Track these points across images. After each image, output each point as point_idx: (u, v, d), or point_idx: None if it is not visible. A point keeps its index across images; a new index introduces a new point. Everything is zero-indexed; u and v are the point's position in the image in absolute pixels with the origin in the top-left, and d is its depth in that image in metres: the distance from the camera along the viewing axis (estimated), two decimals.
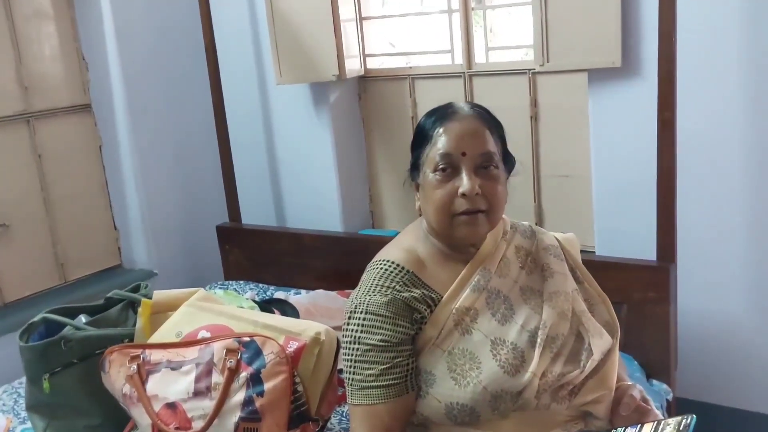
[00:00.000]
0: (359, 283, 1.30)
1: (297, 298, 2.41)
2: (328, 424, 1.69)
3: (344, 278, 2.55)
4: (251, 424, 1.43)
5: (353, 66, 2.76)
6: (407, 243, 1.34)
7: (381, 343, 1.20)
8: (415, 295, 1.23)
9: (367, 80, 2.90)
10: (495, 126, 1.31)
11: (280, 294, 2.54)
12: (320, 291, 2.49)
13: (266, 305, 2.06)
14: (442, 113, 1.29)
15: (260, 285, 2.76)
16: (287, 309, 2.09)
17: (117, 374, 1.55)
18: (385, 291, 1.23)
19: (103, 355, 1.59)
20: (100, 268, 2.92)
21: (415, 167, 1.33)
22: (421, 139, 1.31)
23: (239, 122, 2.97)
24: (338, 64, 2.64)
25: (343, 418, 1.78)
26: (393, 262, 1.28)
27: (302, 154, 2.93)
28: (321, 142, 2.86)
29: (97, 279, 2.86)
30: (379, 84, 2.89)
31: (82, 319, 1.81)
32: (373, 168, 3.00)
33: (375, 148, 2.97)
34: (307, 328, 1.57)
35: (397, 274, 1.25)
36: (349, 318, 1.25)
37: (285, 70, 2.75)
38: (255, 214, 3.01)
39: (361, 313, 1.23)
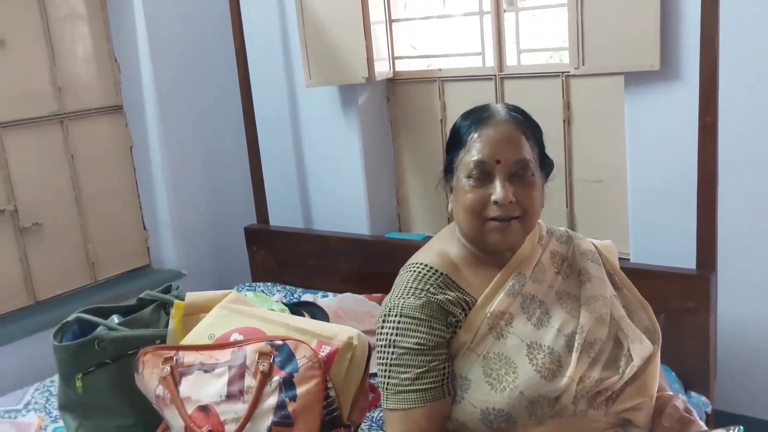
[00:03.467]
0: (393, 287, 1.29)
1: (325, 301, 2.41)
2: (359, 430, 1.68)
3: (370, 281, 2.54)
4: (284, 428, 1.42)
5: (382, 68, 2.75)
6: (441, 246, 1.32)
7: (416, 347, 1.19)
8: (449, 297, 1.22)
9: (395, 83, 2.89)
10: (532, 130, 1.28)
11: (307, 296, 2.54)
12: (348, 294, 2.48)
13: (296, 308, 2.06)
14: (478, 117, 1.27)
15: (287, 287, 2.76)
16: (317, 312, 2.09)
17: (150, 375, 1.55)
18: (420, 294, 1.22)
19: (137, 356, 1.59)
20: (130, 267, 2.94)
21: (449, 170, 1.31)
22: (455, 142, 1.29)
23: (268, 124, 2.98)
24: (367, 66, 2.63)
25: (373, 424, 1.77)
26: (427, 265, 1.26)
27: (330, 157, 2.92)
28: (349, 145, 2.85)
29: (126, 278, 2.88)
30: (407, 86, 2.88)
31: (115, 319, 1.82)
32: (401, 171, 2.98)
33: (403, 151, 2.96)
34: (339, 332, 1.56)
35: (431, 277, 1.24)
36: (384, 321, 1.24)
37: (314, 73, 2.75)
38: (282, 215, 3.01)
39: (396, 316, 1.22)
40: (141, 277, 2.88)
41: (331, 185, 2.94)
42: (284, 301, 2.38)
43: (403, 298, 1.22)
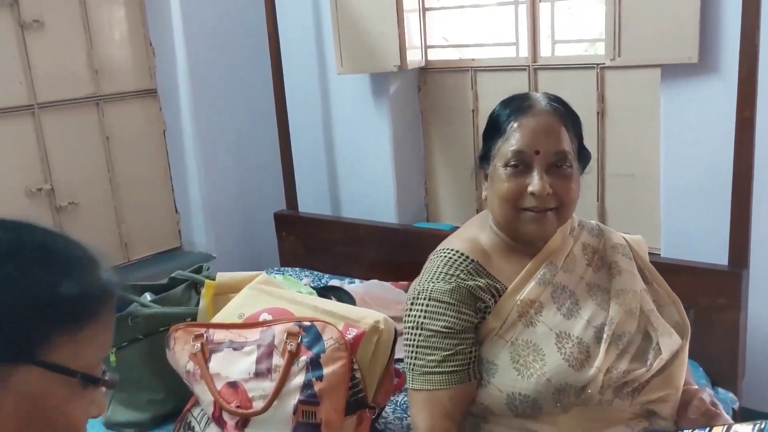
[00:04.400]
0: (422, 271, 1.31)
1: (351, 286, 2.44)
2: (383, 413, 1.71)
3: (398, 269, 2.57)
4: (310, 407, 1.46)
5: (414, 57, 2.77)
6: (472, 234, 1.35)
7: (444, 330, 1.21)
8: (479, 284, 1.24)
9: (427, 72, 2.90)
10: (572, 122, 1.29)
11: (334, 282, 2.58)
12: (375, 281, 2.51)
13: (323, 292, 2.10)
14: (518, 105, 1.27)
15: (315, 272, 2.80)
16: (344, 297, 2.12)
17: (181, 351, 1.61)
18: (449, 278, 1.24)
19: (168, 333, 1.64)
20: (161, 249, 3.02)
21: (485, 158, 1.32)
22: (493, 130, 1.30)
23: (299, 111, 3.01)
24: (400, 54, 2.65)
25: (398, 408, 1.80)
26: (458, 251, 1.29)
27: (359, 145, 2.95)
28: (379, 133, 2.88)
29: (157, 259, 2.95)
30: (439, 76, 2.89)
31: (148, 297, 1.88)
32: (431, 161, 3.00)
33: (433, 141, 2.98)
34: (366, 315, 1.59)
35: (461, 263, 1.26)
36: (412, 304, 1.27)
37: (346, 60, 2.78)
38: (311, 202, 3.05)
39: (425, 299, 1.24)
40: (172, 259, 2.94)
41: (360, 173, 2.97)
42: (312, 285, 2.42)
43: (433, 282, 1.25)
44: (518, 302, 1.23)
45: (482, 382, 1.22)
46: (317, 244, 2.88)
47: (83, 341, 0.69)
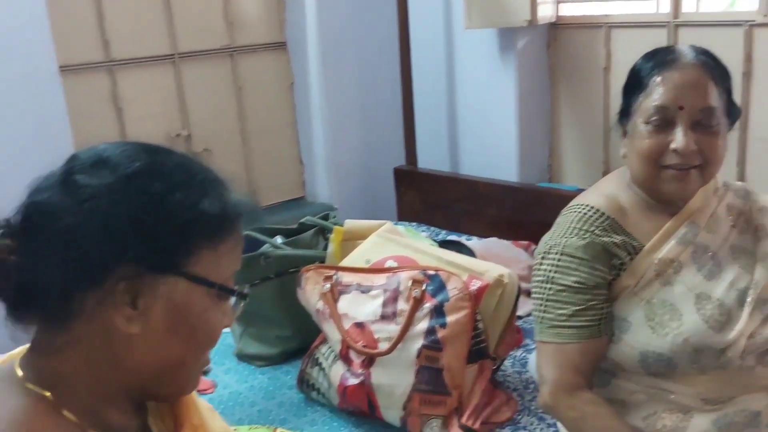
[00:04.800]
0: (554, 225, 1.31)
1: (469, 243, 2.46)
2: (502, 366, 1.74)
3: (517, 229, 2.56)
4: (433, 352, 1.51)
5: (546, 12, 2.69)
6: (609, 190, 1.32)
7: (575, 285, 1.21)
8: (615, 240, 1.22)
9: (558, 28, 2.82)
10: (721, 76, 1.22)
11: (452, 238, 2.60)
12: (494, 239, 2.51)
13: (444, 245, 2.13)
14: (662, 59, 1.22)
15: (432, 228, 2.84)
16: (464, 251, 2.14)
17: (312, 291, 1.70)
18: (584, 234, 1.23)
19: (300, 272, 1.74)
20: (286, 198, 3.15)
21: (625, 114, 1.29)
22: (635, 84, 1.26)
23: (423, 66, 3.02)
24: (531, 8, 2.59)
25: (516, 362, 1.82)
26: (593, 207, 1.27)
27: (483, 101, 2.93)
28: (504, 90, 2.84)
29: (282, 208, 3.09)
30: (570, 32, 2.80)
31: (279, 239, 1.98)
32: (556, 120, 2.93)
33: (560, 100, 2.91)
34: (490, 269, 1.61)
35: (596, 219, 1.25)
36: (543, 258, 1.27)
37: (475, 14, 2.75)
38: (430, 158, 3.07)
39: (556, 254, 1.24)
40: (295, 208, 3.07)
41: (483, 130, 2.95)
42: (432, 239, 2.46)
43: (566, 237, 1.24)
44: (656, 261, 1.20)
45: (614, 338, 1.21)
46: (435, 200, 2.91)
47: (221, 255, 0.74)
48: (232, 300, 0.77)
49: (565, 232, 1.25)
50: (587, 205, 1.27)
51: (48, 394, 0.69)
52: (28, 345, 0.75)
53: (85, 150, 0.74)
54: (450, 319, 1.52)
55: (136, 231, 0.68)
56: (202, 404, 0.87)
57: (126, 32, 2.60)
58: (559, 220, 1.31)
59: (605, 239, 1.22)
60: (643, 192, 1.28)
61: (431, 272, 1.58)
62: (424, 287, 1.56)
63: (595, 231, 1.23)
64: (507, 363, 1.78)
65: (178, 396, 0.80)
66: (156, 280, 0.70)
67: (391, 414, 1.55)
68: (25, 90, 2.21)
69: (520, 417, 1.60)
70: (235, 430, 1.34)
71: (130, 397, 0.75)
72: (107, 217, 0.68)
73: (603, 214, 1.25)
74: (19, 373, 0.71)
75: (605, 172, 2.76)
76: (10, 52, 2.17)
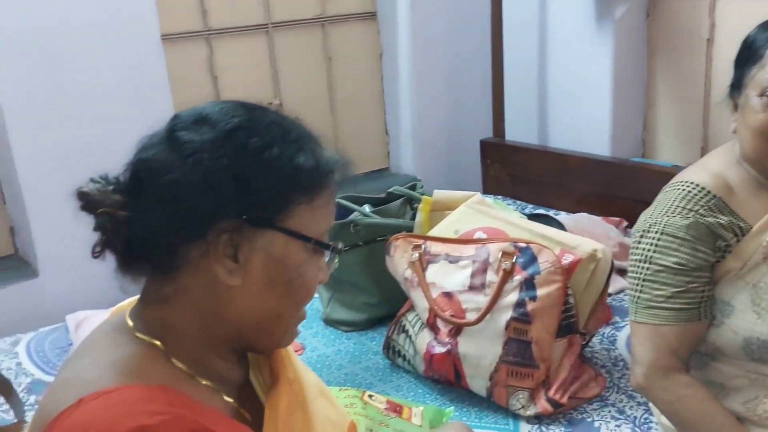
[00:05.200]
0: (654, 203, 1.27)
1: (558, 218, 2.42)
2: (590, 342, 1.71)
3: (608, 205, 2.50)
4: (521, 324, 1.51)
5: None
6: (715, 167, 1.26)
7: (675, 266, 1.17)
8: (721, 221, 1.18)
9: None
10: None
11: (540, 212, 2.56)
12: (583, 214, 2.46)
13: (533, 219, 2.10)
14: None
15: (518, 202, 2.81)
16: (554, 225, 2.11)
17: (400, 259, 1.72)
18: (687, 213, 1.19)
19: (389, 241, 1.76)
20: (371, 168, 3.18)
21: (736, 86, 1.22)
22: (748, 55, 1.19)
23: (514, 36, 2.95)
24: None
25: (605, 339, 1.79)
26: (698, 185, 1.22)
27: (577, 73, 2.84)
28: (599, 61, 2.75)
29: (366, 178, 3.12)
30: (672, 1, 2.67)
31: (367, 208, 2.01)
32: (652, 93, 2.82)
33: (657, 73, 2.79)
34: (582, 243, 1.59)
35: (702, 198, 1.20)
36: (641, 237, 1.23)
37: None
38: (518, 130, 3.02)
39: (656, 233, 1.20)
40: (380, 178, 3.09)
41: (574, 102, 2.87)
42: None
43: (667, 216, 1.20)
44: (765, 243, 1.15)
45: (715, 322, 1.17)
46: (522, 173, 2.87)
47: (316, 210, 0.76)
48: (327, 255, 0.80)
49: (666, 210, 1.21)
50: (691, 183, 1.23)
51: (158, 343, 0.73)
52: (136, 297, 0.80)
53: (186, 110, 0.78)
54: (540, 292, 1.51)
55: (236, 185, 0.71)
56: (297, 360, 0.91)
57: (223, 1, 2.67)
58: (660, 197, 1.27)
59: (710, 219, 1.17)
60: (753, 169, 1.21)
61: (522, 245, 1.57)
62: (514, 259, 1.55)
63: (700, 210, 1.18)
64: (595, 340, 1.76)
65: (275, 348, 0.83)
66: (255, 234, 0.72)
67: (478, 384, 1.56)
68: (130, 58, 2.31)
69: (608, 394, 1.58)
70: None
71: (233, 348, 0.79)
72: (209, 171, 0.71)
73: (708, 192, 1.20)
74: (130, 323, 0.75)
75: (703, 149, 2.65)
76: (117, 22, 2.26)
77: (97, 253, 0.74)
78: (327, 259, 0.80)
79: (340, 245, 0.80)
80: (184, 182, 0.70)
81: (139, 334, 0.73)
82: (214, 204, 0.71)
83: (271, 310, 0.76)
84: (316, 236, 0.76)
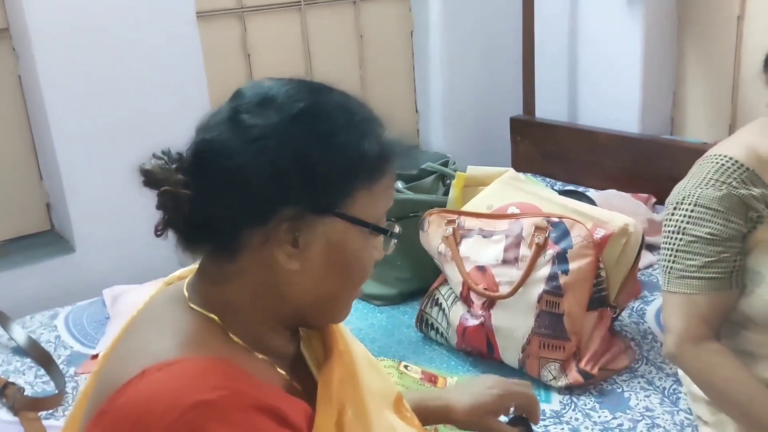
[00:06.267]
0: (688, 175, 1.29)
1: (588, 194, 2.43)
2: (620, 316, 1.74)
3: (638, 181, 2.50)
4: (554, 297, 1.54)
5: None
6: (749, 140, 1.28)
7: (708, 236, 1.20)
8: (753, 193, 1.19)
9: None
10: None
11: (571, 188, 2.57)
12: (612, 191, 2.47)
13: (565, 195, 2.12)
14: None
15: (547, 179, 2.82)
16: (585, 201, 2.13)
17: (434, 234, 1.75)
18: (720, 186, 1.21)
19: (424, 216, 1.79)
20: None
21: None
22: None
23: (545, 13, 2.94)
24: None
25: (634, 313, 1.81)
26: (731, 158, 1.23)
27: (607, 50, 2.82)
28: (629, 38, 2.73)
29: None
30: None
31: (399, 184, 2.04)
32: (683, 71, 2.80)
33: (687, 49, 2.77)
34: (614, 218, 1.61)
35: (735, 171, 1.22)
36: (675, 209, 1.26)
37: None
38: (548, 107, 3.02)
39: (690, 204, 1.23)
40: (409, 156, 3.11)
41: (604, 79, 2.86)
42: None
43: (701, 187, 1.22)
44: None
45: (746, 290, 1.19)
46: (552, 150, 2.88)
47: (376, 195, 0.76)
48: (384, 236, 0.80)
49: (700, 182, 1.23)
50: (725, 156, 1.24)
51: (215, 317, 0.74)
52: (190, 267, 0.81)
53: (249, 86, 0.77)
54: (573, 266, 1.53)
55: (301, 173, 0.71)
56: (347, 331, 0.93)
57: None
58: (693, 170, 1.29)
59: (743, 191, 1.19)
60: None
61: (555, 219, 1.60)
62: (547, 234, 1.58)
63: (732, 183, 1.20)
64: (625, 313, 1.78)
65: (329, 324, 0.85)
66: (316, 221, 0.72)
67: (510, 355, 1.59)
68: (166, 35, 2.33)
69: (637, 366, 1.61)
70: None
71: (288, 325, 0.80)
72: (274, 158, 0.70)
73: (742, 165, 1.22)
74: (187, 295, 0.76)
75: (731, 127, 2.63)
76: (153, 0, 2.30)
77: (159, 232, 0.74)
78: (383, 239, 0.80)
79: (397, 228, 0.80)
80: (248, 168, 0.70)
81: (196, 308, 0.74)
82: (278, 191, 0.70)
83: (328, 292, 0.77)
84: (374, 220, 0.76)
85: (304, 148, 0.71)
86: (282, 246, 0.72)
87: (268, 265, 0.73)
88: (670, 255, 1.25)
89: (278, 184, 0.70)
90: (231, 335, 0.74)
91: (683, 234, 1.23)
